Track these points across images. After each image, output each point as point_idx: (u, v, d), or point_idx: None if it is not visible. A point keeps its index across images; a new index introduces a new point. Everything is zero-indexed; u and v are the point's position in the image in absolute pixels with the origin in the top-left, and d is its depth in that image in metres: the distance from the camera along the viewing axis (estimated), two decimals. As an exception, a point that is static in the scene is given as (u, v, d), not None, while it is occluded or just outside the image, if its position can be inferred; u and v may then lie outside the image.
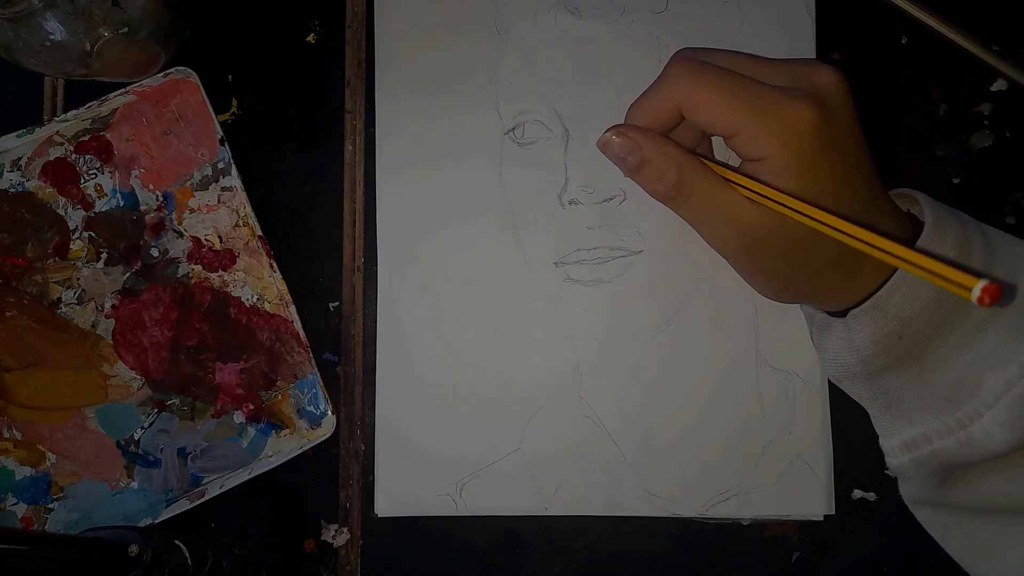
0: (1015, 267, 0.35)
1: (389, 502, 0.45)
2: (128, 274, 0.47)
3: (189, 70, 0.46)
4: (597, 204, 0.46)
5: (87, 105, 0.46)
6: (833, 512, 0.44)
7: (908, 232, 0.36)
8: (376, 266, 0.47)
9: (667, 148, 0.36)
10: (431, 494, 0.45)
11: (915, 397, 0.36)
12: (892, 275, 0.35)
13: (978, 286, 0.27)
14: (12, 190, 0.47)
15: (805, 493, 0.44)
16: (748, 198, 0.35)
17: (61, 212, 0.47)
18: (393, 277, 0.46)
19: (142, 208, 0.47)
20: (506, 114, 0.47)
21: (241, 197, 0.46)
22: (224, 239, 0.47)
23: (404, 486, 0.45)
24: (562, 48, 0.46)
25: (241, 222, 0.47)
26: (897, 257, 0.30)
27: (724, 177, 0.36)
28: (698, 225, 0.38)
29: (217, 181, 0.47)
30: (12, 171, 0.47)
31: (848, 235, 0.31)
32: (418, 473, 0.45)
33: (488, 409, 0.45)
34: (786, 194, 0.33)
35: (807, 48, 0.46)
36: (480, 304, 0.46)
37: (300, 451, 0.45)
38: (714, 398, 0.45)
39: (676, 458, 0.45)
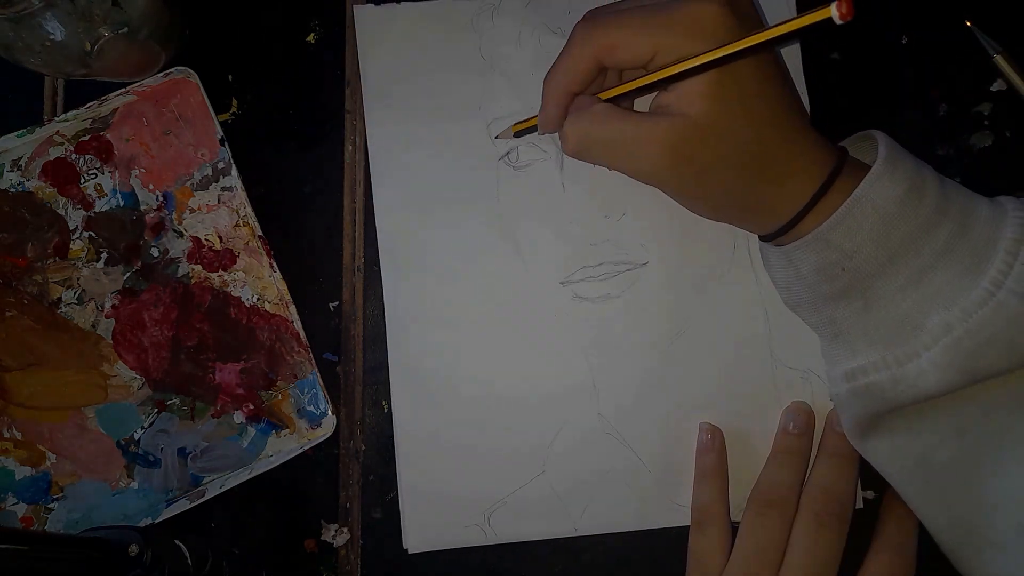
0: (968, 214, 0.36)
1: (419, 537, 0.45)
2: (128, 274, 0.47)
3: (189, 70, 0.46)
4: (598, 220, 0.46)
5: (87, 105, 0.46)
6: (862, 506, 0.44)
7: (829, 163, 0.37)
8: (376, 266, 0.47)
9: (549, 111, 0.40)
10: (460, 525, 0.45)
11: (860, 330, 0.37)
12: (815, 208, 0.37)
13: (833, 4, 0.31)
14: (12, 190, 0.47)
15: None
16: (649, 113, 0.37)
17: (61, 212, 0.47)
18: (400, 315, 0.46)
19: (142, 208, 0.47)
20: (498, 139, 0.47)
21: (241, 197, 0.46)
22: (224, 239, 0.47)
23: (432, 520, 0.45)
24: (548, 69, 0.46)
25: (241, 222, 0.47)
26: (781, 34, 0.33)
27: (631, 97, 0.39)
28: (624, 157, 0.38)
29: (217, 181, 0.47)
30: (12, 171, 0.47)
31: (764, 42, 0.34)
32: (445, 506, 0.45)
33: (509, 436, 0.45)
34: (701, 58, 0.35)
35: (793, 50, 0.46)
36: (490, 331, 0.46)
37: (300, 451, 0.45)
38: (733, 403, 0.45)
39: None
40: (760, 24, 0.37)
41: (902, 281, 0.35)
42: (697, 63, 0.35)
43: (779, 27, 0.33)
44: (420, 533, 0.45)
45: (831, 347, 0.39)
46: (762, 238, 0.41)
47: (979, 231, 0.35)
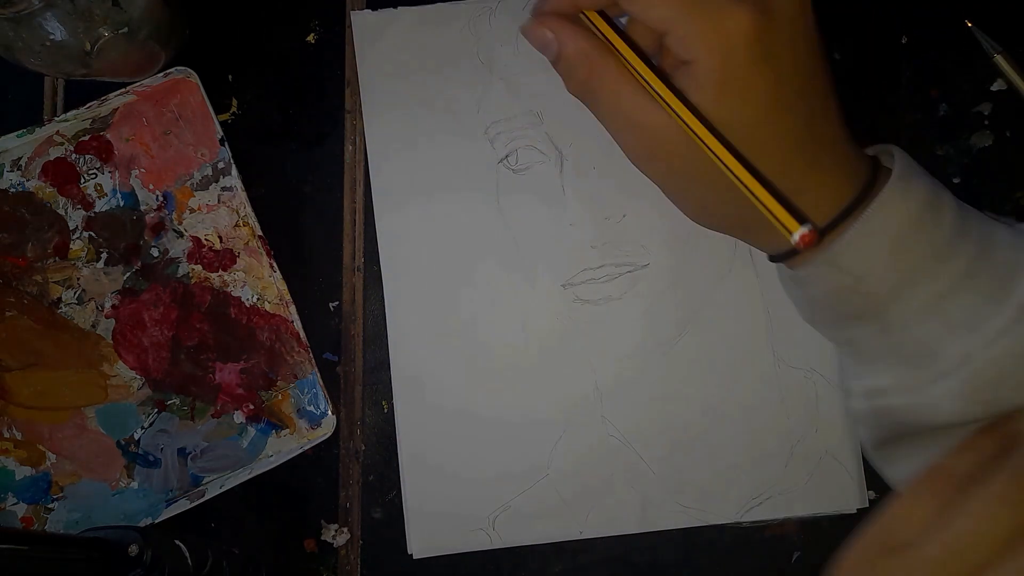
0: (988, 238, 0.34)
1: (424, 543, 0.45)
2: (128, 274, 0.47)
3: (189, 70, 0.46)
4: (599, 222, 0.46)
5: (87, 105, 0.46)
6: (867, 505, 0.44)
7: (858, 181, 0.34)
8: (376, 266, 0.47)
9: (580, 43, 0.33)
10: (464, 530, 0.44)
11: (878, 352, 0.36)
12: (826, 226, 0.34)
13: (798, 232, 0.30)
14: (12, 190, 0.47)
15: (837, 488, 0.44)
16: (659, 105, 0.32)
17: (61, 212, 0.47)
18: (401, 315, 0.46)
19: (142, 208, 0.47)
20: (498, 143, 0.46)
21: (241, 197, 0.46)
22: (224, 239, 0.47)
23: (437, 525, 0.45)
24: (547, 71, 0.46)
25: (241, 222, 0.47)
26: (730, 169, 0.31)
27: (645, 80, 0.33)
28: (608, 127, 0.35)
29: (217, 181, 0.47)
30: (12, 171, 0.47)
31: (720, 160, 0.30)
32: (449, 511, 0.45)
33: (512, 439, 0.45)
34: (690, 109, 0.31)
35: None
36: (493, 334, 0.46)
37: (300, 451, 0.45)
38: (737, 403, 0.45)
39: (705, 467, 0.44)
40: (809, 55, 0.32)
41: (918, 305, 0.33)
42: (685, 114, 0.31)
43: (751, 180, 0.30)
44: (425, 538, 0.45)
45: (851, 363, 0.38)
46: (770, 258, 0.38)
47: (1001, 256, 0.33)
